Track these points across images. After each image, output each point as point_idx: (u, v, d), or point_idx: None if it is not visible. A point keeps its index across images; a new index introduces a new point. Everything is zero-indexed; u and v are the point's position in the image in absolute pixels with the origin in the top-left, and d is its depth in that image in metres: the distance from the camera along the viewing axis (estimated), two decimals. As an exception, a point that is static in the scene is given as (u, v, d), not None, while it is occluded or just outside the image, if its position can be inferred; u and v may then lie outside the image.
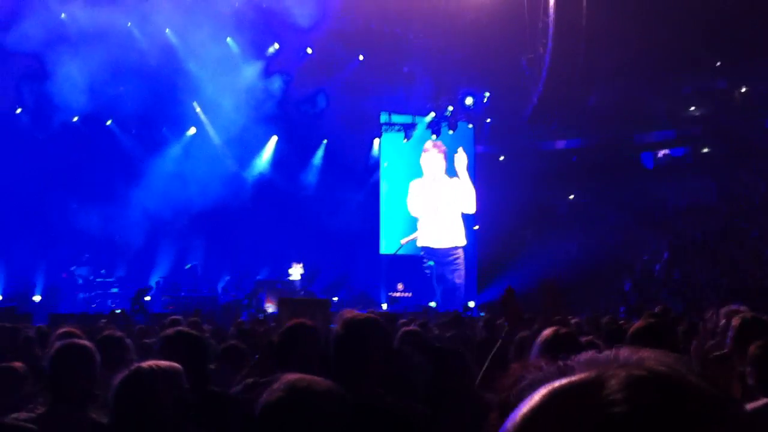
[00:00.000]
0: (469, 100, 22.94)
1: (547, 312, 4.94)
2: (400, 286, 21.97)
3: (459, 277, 22.29)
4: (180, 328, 4.32)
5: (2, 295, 18.38)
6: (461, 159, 22.53)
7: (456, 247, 22.48)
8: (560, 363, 0.75)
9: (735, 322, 4.36)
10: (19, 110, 19.45)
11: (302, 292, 18.65)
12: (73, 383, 3.19)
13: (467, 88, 23.09)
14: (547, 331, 3.12)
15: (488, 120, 24.22)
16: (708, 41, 21.69)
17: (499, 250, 22.54)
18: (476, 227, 23.12)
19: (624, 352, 0.72)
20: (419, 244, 22.46)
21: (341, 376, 2.66)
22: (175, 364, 2.61)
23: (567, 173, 24.28)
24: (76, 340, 3.61)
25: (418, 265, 22.32)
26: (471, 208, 22.78)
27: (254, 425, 2.13)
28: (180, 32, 20.07)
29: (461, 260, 22.40)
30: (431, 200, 22.46)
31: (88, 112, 19.69)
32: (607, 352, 0.74)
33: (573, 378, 0.70)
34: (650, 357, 0.71)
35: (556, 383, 0.70)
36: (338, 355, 2.86)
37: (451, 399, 3.66)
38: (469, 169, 22.87)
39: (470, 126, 23.96)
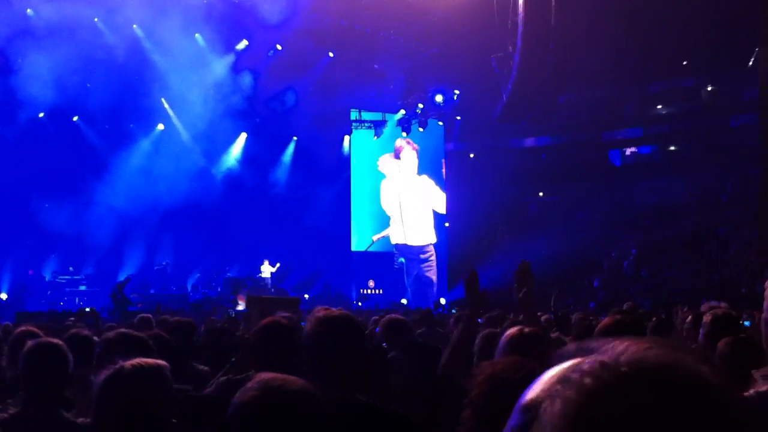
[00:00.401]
0: (439, 98, 22.99)
1: (522, 294, 4.95)
2: (371, 283, 22.01)
3: (431, 274, 22.40)
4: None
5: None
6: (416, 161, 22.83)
7: (428, 245, 22.59)
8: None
9: (707, 318, 4.44)
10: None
11: (273, 290, 18.57)
12: (46, 383, 3.16)
13: (437, 85, 23.14)
14: (513, 330, 3.13)
15: (458, 118, 24.32)
16: (675, 40, 21.97)
17: (469, 248, 22.65)
18: (447, 224, 23.22)
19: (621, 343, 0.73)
20: (393, 241, 22.53)
21: (315, 375, 2.65)
22: (162, 362, 2.58)
23: (537, 171, 24.49)
24: (50, 339, 3.57)
25: (389, 262, 22.38)
26: (442, 208, 22.95)
27: (228, 425, 2.12)
28: (147, 27, 19.82)
29: (433, 257, 22.52)
30: (403, 198, 22.54)
31: (54, 107, 19.37)
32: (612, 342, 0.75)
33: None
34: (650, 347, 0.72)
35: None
36: (311, 353, 2.85)
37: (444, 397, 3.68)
38: (438, 167, 22.96)
39: (440, 123, 24.06)
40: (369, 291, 21.84)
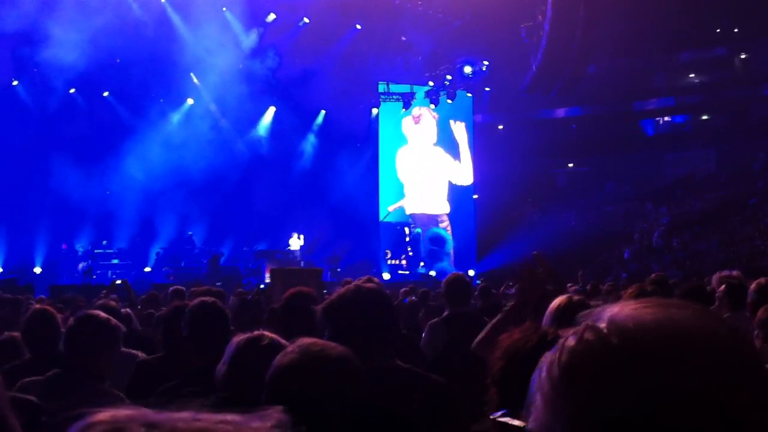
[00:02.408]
0: (467, 69, 22.79)
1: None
2: (389, 254, 21.99)
3: (448, 244, 22.39)
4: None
5: (2, 268, 18.41)
6: (460, 129, 22.55)
7: (443, 214, 22.57)
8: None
9: (722, 287, 4.47)
10: (15, 83, 19.30)
11: (302, 263, 18.71)
12: (89, 359, 3.15)
13: (466, 57, 22.93)
14: (562, 298, 3.13)
15: (487, 89, 24.12)
16: (707, 8, 21.55)
17: (498, 219, 22.58)
18: (476, 196, 23.16)
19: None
20: (408, 211, 22.53)
21: (348, 345, 2.68)
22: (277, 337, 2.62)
23: (566, 142, 24.28)
24: (96, 312, 3.61)
25: (411, 232, 22.39)
26: (461, 179, 22.83)
27: (267, 387, 2.16)
28: (176, 2, 19.91)
29: (449, 227, 22.49)
30: (419, 165, 22.51)
31: (85, 82, 19.57)
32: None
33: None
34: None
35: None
36: (341, 324, 2.86)
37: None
38: (468, 138, 22.85)
39: (469, 95, 23.90)
40: (396, 262, 21.87)
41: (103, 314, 3.38)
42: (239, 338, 2.52)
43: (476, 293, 9.67)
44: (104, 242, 19.67)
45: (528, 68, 21.50)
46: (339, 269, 19.15)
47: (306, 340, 2.21)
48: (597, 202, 22.94)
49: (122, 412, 0.70)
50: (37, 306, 4.72)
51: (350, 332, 2.75)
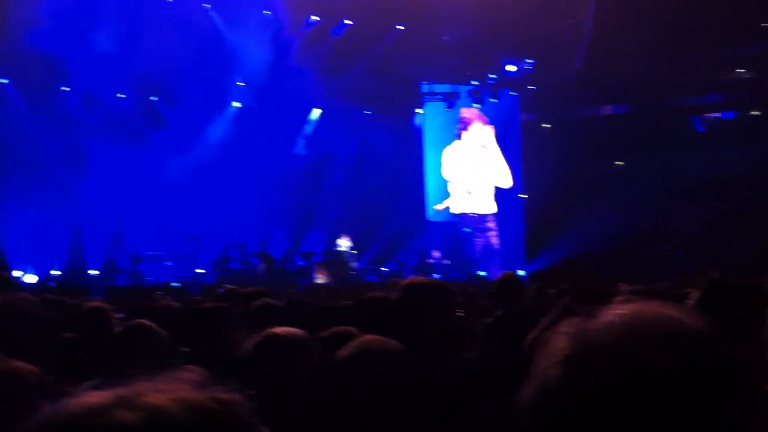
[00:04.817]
0: (511, 68, 22.71)
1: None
2: (436, 254, 22.00)
3: (498, 244, 22.31)
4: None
5: (60, 270, 18.82)
6: (491, 133, 22.53)
7: (490, 214, 22.50)
8: None
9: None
10: (67, 89, 19.68)
11: (351, 263, 18.86)
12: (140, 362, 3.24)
13: (509, 55, 22.85)
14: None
15: (532, 87, 23.95)
16: (754, 2, 21.19)
17: (545, 219, 22.45)
18: (522, 195, 23.10)
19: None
20: (453, 210, 22.50)
21: (413, 342, 2.72)
22: (302, 332, 2.70)
23: (613, 140, 23.99)
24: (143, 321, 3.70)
25: (454, 233, 22.37)
26: (505, 182, 22.74)
27: (326, 379, 2.23)
28: (219, 6, 20.20)
29: (495, 227, 22.41)
30: (466, 166, 22.47)
31: (134, 88, 19.91)
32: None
33: None
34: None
35: None
36: (401, 320, 2.90)
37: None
38: (513, 137, 22.76)
39: (513, 94, 23.81)
40: (443, 262, 21.87)
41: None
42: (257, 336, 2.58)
43: (528, 293, 9.68)
44: (157, 246, 20.00)
45: (573, 65, 21.38)
46: (387, 269, 19.25)
47: (367, 337, 2.28)
48: (645, 201, 22.65)
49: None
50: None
51: (407, 328, 2.79)
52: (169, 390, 0.84)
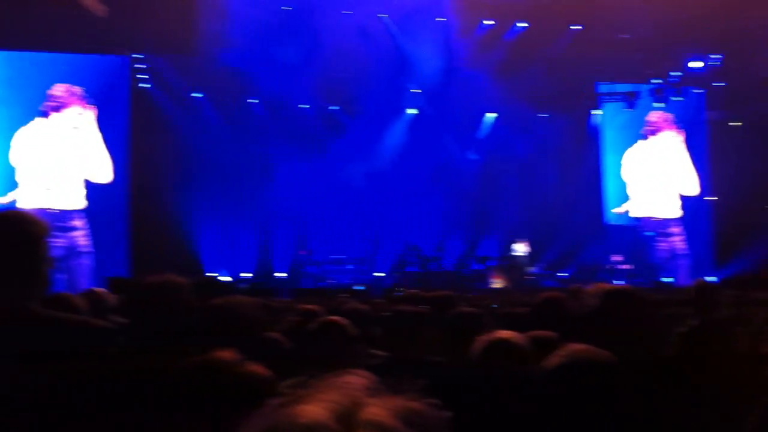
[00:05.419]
0: (697, 64, 21.58)
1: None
2: (618, 259, 21.26)
3: (681, 249, 21.22)
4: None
5: (251, 272, 19.98)
6: (678, 139, 21.42)
7: (676, 218, 21.42)
8: None
9: None
10: (255, 101, 20.80)
11: (527, 268, 18.68)
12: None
13: (694, 50, 21.73)
14: None
15: (720, 84, 22.64)
16: None
17: (736, 222, 21.18)
18: (712, 198, 21.92)
19: None
20: (632, 214, 21.63)
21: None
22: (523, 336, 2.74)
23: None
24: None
25: (639, 236, 21.49)
26: (691, 188, 21.54)
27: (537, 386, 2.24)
28: (392, 13, 20.65)
29: (681, 232, 21.30)
30: (649, 168, 21.52)
31: (315, 98, 20.76)
32: None
33: None
34: None
35: None
36: (598, 324, 2.87)
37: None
38: (698, 137, 21.61)
39: (699, 91, 22.62)
40: (622, 266, 21.12)
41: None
42: None
43: (724, 300, 9.18)
44: (337, 250, 20.74)
45: (765, 60, 20.04)
46: (567, 274, 18.89)
47: (575, 345, 2.26)
48: None
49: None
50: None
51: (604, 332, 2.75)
52: (383, 402, 0.82)
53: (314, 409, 0.83)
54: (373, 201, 21.07)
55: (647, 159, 21.62)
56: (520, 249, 19.82)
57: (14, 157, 16.09)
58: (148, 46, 19.64)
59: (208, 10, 18.56)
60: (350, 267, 19.96)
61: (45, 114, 16.03)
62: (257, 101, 20.66)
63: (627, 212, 21.67)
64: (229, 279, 18.82)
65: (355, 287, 16.05)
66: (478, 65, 21.28)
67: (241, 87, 20.04)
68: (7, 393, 2.32)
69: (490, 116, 22.48)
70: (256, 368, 2.49)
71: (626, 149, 22.08)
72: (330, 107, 21.45)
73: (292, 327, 5.72)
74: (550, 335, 3.99)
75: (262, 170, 20.63)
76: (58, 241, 14.56)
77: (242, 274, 19.80)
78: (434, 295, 8.38)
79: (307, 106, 21.06)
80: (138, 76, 19.85)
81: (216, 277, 17.01)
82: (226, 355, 2.44)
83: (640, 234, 21.24)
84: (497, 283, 18.05)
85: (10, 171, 16.25)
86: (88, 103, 16.31)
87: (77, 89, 16.39)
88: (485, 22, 21.59)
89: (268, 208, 20.65)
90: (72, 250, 15.57)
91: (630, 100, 22.39)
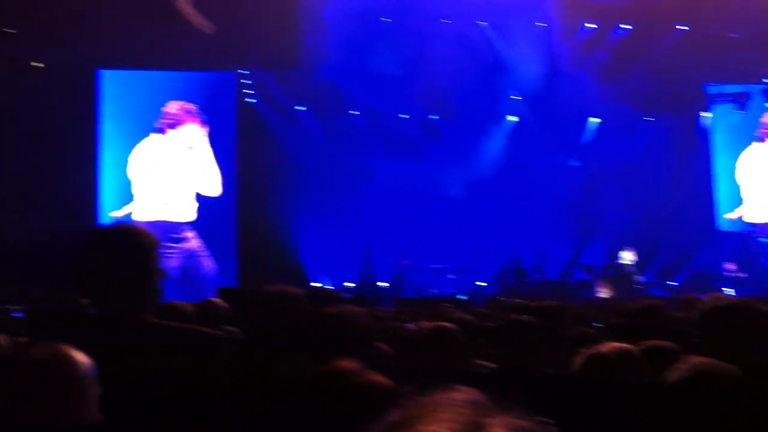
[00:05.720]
0: (813, 60, 20.54)
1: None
2: (731, 266, 20.40)
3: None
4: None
5: (354, 282, 20.25)
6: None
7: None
8: None
9: None
10: (356, 112, 21.08)
11: (635, 277, 18.18)
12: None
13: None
14: None
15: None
16: None
17: None
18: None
19: None
20: (747, 219, 20.71)
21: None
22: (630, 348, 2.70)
23: None
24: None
25: (754, 243, 20.55)
26: None
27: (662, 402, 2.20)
28: (491, 19, 20.54)
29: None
30: (765, 171, 20.57)
31: (415, 107, 20.87)
32: None
33: None
34: None
35: None
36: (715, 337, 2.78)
37: None
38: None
39: (816, 90, 21.52)
40: (736, 275, 20.25)
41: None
42: None
43: None
44: (439, 259, 20.75)
45: None
46: (677, 284, 18.29)
47: (695, 359, 2.20)
48: None
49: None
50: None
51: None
52: (502, 422, 0.80)
53: (437, 431, 0.81)
54: (474, 209, 21.00)
55: (763, 162, 20.70)
56: (627, 257, 19.30)
57: (131, 172, 16.59)
58: (253, 62, 20.28)
59: (309, 24, 19.00)
60: (452, 276, 19.93)
61: (161, 131, 16.56)
62: (358, 113, 20.93)
63: (741, 217, 20.80)
64: (332, 288, 19.13)
65: (458, 296, 16.01)
66: (581, 69, 20.92)
67: (342, 99, 20.38)
68: (122, 401, 2.42)
69: (594, 121, 22.02)
70: (377, 377, 2.53)
71: (738, 152, 21.20)
72: (430, 116, 21.50)
73: (404, 335, 5.76)
74: (667, 345, 3.89)
75: (364, 181, 20.90)
76: (174, 252, 15.07)
77: (346, 284, 20.09)
78: (540, 305, 8.28)
79: (407, 116, 21.18)
80: (244, 91, 20.48)
81: (323, 286, 17.34)
82: (349, 364, 2.49)
83: (755, 240, 20.33)
84: (604, 293, 17.63)
85: (126, 184, 16.88)
86: (203, 121, 16.77)
87: (191, 106, 16.88)
88: (587, 25, 21.21)
89: (370, 218, 20.90)
90: (190, 259, 16.00)
91: (741, 101, 21.58)
